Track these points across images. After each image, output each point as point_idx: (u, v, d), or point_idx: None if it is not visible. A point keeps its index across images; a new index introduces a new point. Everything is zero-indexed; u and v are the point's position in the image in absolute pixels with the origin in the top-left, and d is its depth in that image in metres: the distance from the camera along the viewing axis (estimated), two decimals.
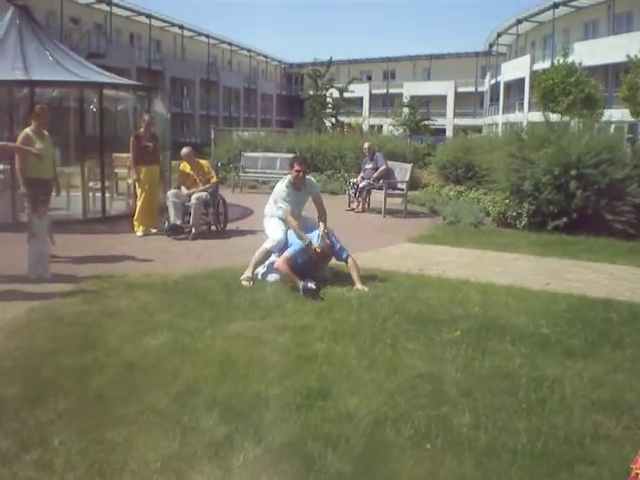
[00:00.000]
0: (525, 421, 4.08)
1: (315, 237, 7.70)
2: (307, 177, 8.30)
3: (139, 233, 11.21)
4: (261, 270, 7.96)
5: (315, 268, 7.67)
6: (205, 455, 3.58)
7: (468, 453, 3.66)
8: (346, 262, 7.88)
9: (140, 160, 11.33)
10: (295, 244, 7.68)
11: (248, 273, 7.73)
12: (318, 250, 7.53)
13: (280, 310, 6.48)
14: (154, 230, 11.43)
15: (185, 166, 11.50)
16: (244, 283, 7.59)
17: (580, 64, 30.35)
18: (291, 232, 7.85)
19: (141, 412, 4.06)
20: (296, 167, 8.05)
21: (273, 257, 7.86)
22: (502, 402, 4.35)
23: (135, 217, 11.38)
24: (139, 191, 11.46)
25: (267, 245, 7.88)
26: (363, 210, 15.28)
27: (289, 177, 8.15)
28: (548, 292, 7.55)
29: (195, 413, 4.06)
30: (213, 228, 11.78)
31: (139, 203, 11.39)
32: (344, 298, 6.92)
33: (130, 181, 12.66)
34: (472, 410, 4.20)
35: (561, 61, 30.82)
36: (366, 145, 16.29)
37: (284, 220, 7.98)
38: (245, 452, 3.61)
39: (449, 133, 61.66)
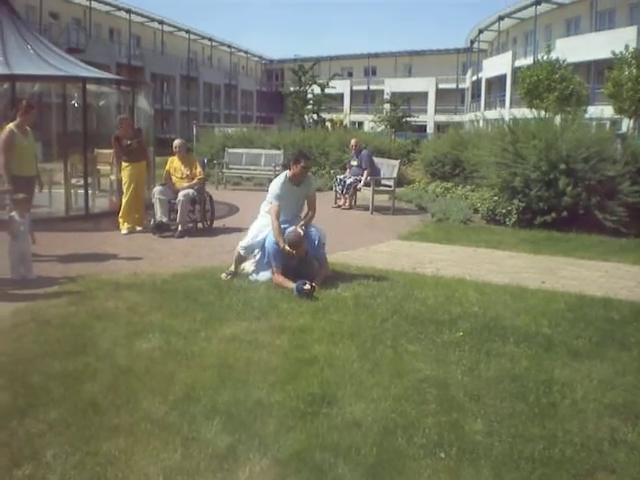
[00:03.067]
0: (539, 427, 3.93)
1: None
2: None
3: (124, 231, 10.96)
4: (250, 268, 7.79)
5: (301, 265, 7.48)
6: (209, 468, 3.39)
7: (484, 462, 3.50)
8: (319, 263, 7.61)
9: (125, 158, 11.10)
10: (269, 252, 7.45)
11: (231, 268, 7.77)
12: (287, 246, 7.29)
13: (275, 311, 6.30)
14: (139, 228, 11.20)
15: (174, 160, 11.25)
16: (222, 276, 7.62)
17: (564, 61, 30.37)
18: (269, 236, 7.58)
19: (138, 421, 3.86)
20: (302, 163, 7.83)
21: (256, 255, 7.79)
22: (513, 407, 4.19)
23: (120, 214, 11.12)
24: (125, 188, 11.19)
25: (239, 248, 7.77)
26: (350, 207, 15.11)
27: (287, 173, 7.94)
28: (545, 291, 7.42)
29: (195, 422, 3.86)
30: (199, 226, 11.54)
31: (125, 200, 11.13)
32: (340, 298, 6.74)
33: (113, 177, 12.40)
34: (483, 416, 4.04)
35: (545, 58, 30.85)
36: (353, 142, 16.13)
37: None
38: (251, 464, 3.42)
39: (430, 130, 61.80)
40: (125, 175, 11.14)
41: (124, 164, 11.12)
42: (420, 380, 4.59)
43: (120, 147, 11.10)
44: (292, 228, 7.46)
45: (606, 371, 4.87)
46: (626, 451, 3.68)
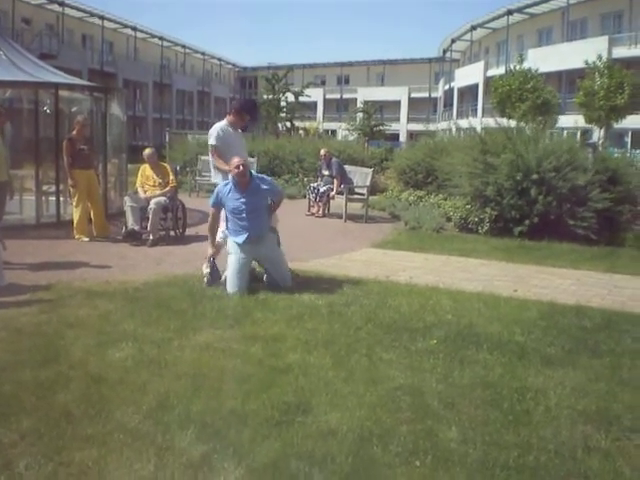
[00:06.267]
0: (513, 434, 3.94)
1: None
2: None
3: (85, 238, 10.87)
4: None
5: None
6: (183, 478, 3.35)
7: (460, 469, 3.51)
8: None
9: (76, 164, 10.91)
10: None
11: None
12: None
13: (248, 319, 6.27)
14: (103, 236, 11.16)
15: (145, 168, 11.18)
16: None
17: (537, 70, 30.71)
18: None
19: (111, 431, 3.81)
20: (248, 118, 8.50)
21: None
22: (487, 414, 4.21)
23: (75, 225, 10.98)
24: (76, 198, 11.03)
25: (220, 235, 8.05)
26: (323, 215, 15.12)
27: (226, 120, 8.37)
28: (518, 299, 7.46)
29: (169, 431, 3.82)
30: (172, 233, 11.47)
31: (78, 210, 10.97)
32: (314, 306, 6.73)
33: (71, 183, 12.22)
34: (458, 424, 4.05)
35: (517, 67, 31.17)
36: (322, 152, 16.15)
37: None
38: (226, 473, 3.39)
39: (403, 138, 62.11)
40: (74, 184, 11.00)
41: (73, 170, 10.93)
42: (395, 388, 4.59)
43: (72, 150, 10.90)
44: None
45: (579, 378, 4.91)
46: (599, 458, 3.70)
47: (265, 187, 7.69)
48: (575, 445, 3.84)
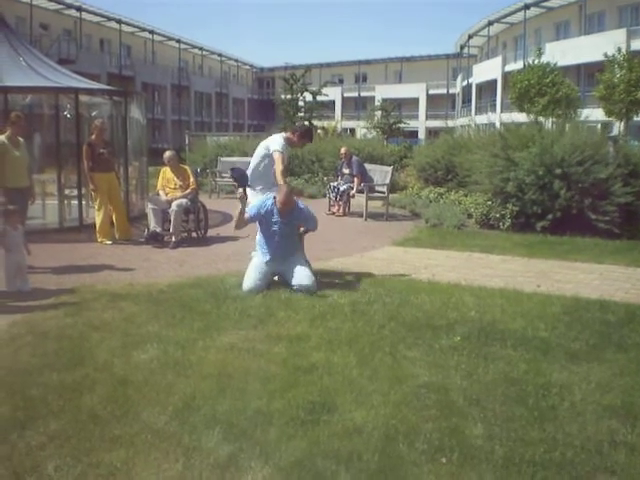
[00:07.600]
0: (539, 430, 3.94)
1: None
2: None
3: (108, 241, 10.95)
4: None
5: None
6: (211, 478, 3.38)
7: (486, 466, 3.50)
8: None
9: (96, 168, 10.96)
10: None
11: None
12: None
13: (272, 319, 6.29)
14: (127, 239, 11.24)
15: (166, 171, 11.25)
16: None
17: (555, 64, 30.53)
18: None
19: (138, 432, 3.85)
20: (308, 141, 8.62)
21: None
22: (512, 411, 4.20)
23: (98, 229, 11.04)
24: (97, 201, 11.09)
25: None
26: (344, 214, 15.11)
27: (284, 135, 8.43)
28: (541, 294, 7.42)
29: (195, 432, 3.85)
30: (194, 235, 11.54)
31: (100, 213, 11.02)
32: (336, 305, 6.75)
33: (92, 187, 12.30)
34: (483, 420, 4.05)
35: (535, 61, 30.99)
36: (343, 150, 16.17)
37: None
38: (253, 473, 3.42)
39: (422, 135, 61.94)
40: (95, 187, 11.07)
41: (93, 174, 10.99)
42: (419, 386, 4.59)
43: (92, 155, 10.96)
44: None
45: (604, 373, 4.88)
46: (626, 452, 3.69)
47: (302, 217, 7.81)
48: (601, 440, 3.82)
